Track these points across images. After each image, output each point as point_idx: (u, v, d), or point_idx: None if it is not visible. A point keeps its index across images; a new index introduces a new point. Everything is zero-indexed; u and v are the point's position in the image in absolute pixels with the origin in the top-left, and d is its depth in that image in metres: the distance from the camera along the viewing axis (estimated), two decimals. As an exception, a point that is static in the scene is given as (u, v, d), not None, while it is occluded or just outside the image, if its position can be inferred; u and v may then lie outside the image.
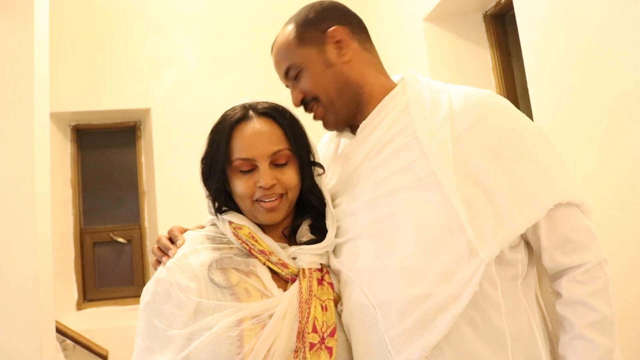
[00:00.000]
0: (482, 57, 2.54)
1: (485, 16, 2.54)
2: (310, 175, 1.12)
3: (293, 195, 1.09)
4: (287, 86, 1.21)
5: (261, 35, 3.49)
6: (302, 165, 1.09)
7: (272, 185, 1.05)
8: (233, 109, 1.10)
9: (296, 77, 1.14)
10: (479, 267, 0.94)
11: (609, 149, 1.50)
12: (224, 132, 1.07)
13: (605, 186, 1.51)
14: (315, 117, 1.17)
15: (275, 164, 1.06)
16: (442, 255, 0.96)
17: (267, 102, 1.11)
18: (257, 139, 1.05)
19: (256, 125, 1.07)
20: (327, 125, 1.18)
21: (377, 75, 1.16)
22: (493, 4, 2.45)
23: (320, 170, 1.14)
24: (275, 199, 1.06)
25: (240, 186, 1.06)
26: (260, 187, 1.04)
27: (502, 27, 2.52)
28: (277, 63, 1.18)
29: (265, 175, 1.04)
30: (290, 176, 1.07)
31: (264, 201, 1.06)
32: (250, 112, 1.08)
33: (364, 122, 1.11)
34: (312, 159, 1.13)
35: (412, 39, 2.68)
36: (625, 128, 1.43)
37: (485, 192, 0.99)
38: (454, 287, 0.93)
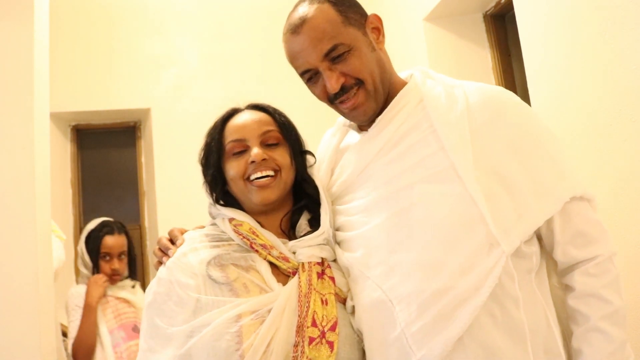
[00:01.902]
0: (482, 57, 2.54)
1: (485, 16, 2.54)
2: (302, 163, 1.15)
3: (287, 175, 1.10)
4: (307, 77, 1.09)
5: (261, 35, 3.50)
6: (293, 151, 1.13)
7: (264, 160, 1.07)
8: (226, 110, 1.17)
9: (340, 58, 1.04)
10: (500, 258, 0.94)
11: (609, 149, 1.50)
12: (217, 126, 1.14)
13: (605, 186, 1.51)
14: (351, 106, 1.07)
15: (266, 144, 1.10)
16: (462, 247, 0.96)
17: (257, 102, 1.18)
18: (247, 122, 1.12)
19: (246, 114, 1.14)
20: (363, 115, 1.10)
21: (393, 69, 1.16)
22: (493, 4, 2.45)
23: (312, 160, 1.17)
24: (269, 177, 1.08)
25: (233, 168, 1.09)
26: (252, 162, 1.07)
27: (502, 27, 2.52)
28: (318, 40, 1.03)
29: (255, 150, 1.08)
30: (282, 155, 1.10)
31: (256, 179, 1.07)
32: (240, 108, 1.17)
33: (379, 117, 1.10)
34: (302, 149, 1.16)
35: (412, 39, 2.68)
36: (625, 128, 1.44)
37: (505, 185, 0.99)
38: (474, 279, 0.93)
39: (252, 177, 1.07)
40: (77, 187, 3.51)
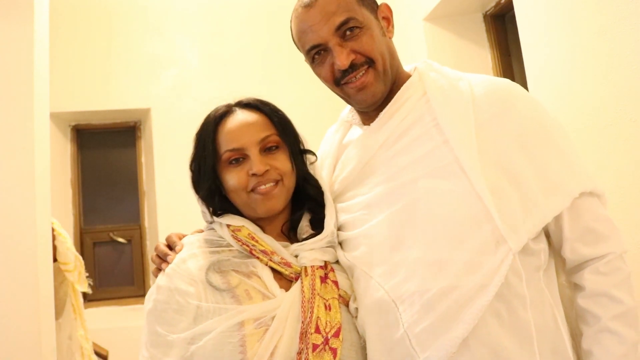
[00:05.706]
0: (482, 57, 2.54)
1: (485, 16, 2.54)
2: (302, 163, 1.10)
3: (289, 181, 1.06)
4: (314, 53, 1.05)
5: (261, 35, 3.51)
6: (293, 152, 1.08)
7: (266, 171, 1.02)
8: (216, 109, 1.10)
9: (351, 33, 1.02)
10: (507, 256, 0.91)
11: (609, 149, 1.50)
12: (209, 130, 1.06)
13: (605, 185, 1.50)
14: (360, 85, 1.04)
15: (265, 149, 1.04)
16: (467, 245, 0.93)
17: (249, 97, 1.10)
18: (243, 128, 1.04)
19: (240, 115, 1.07)
20: (371, 97, 1.06)
21: (400, 62, 1.13)
22: (493, 4, 2.45)
23: (313, 158, 1.12)
24: (271, 185, 1.03)
25: (232, 179, 1.04)
26: (253, 174, 1.02)
27: (502, 27, 2.52)
28: (332, 13, 1.01)
29: (256, 161, 1.02)
30: (282, 162, 1.05)
31: (260, 188, 1.03)
32: (233, 107, 1.09)
33: (382, 112, 1.07)
34: (301, 147, 1.11)
35: (412, 39, 2.68)
36: (625, 128, 1.44)
37: (512, 180, 0.96)
38: (480, 278, 0.90)
39: (255, 189, 1.04)
40: (77, 187, 3.51)
